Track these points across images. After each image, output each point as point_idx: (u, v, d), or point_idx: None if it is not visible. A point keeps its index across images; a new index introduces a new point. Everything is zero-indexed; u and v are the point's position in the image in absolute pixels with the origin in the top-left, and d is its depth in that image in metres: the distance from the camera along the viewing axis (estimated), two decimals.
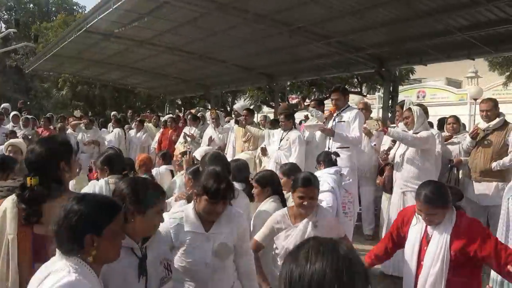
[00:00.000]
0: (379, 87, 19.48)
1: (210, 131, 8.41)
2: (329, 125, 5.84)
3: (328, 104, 6.39)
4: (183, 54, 12.58)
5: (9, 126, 9.79)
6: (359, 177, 6.50)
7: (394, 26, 8.40)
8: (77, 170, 4.11)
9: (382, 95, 12.48)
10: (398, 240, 3.11)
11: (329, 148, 5.77)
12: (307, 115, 8.52)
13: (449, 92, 26.89)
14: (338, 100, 5.78)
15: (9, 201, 2.22)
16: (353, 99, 20.99)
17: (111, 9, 8.73)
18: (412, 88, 26.67)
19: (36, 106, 32.16)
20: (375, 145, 6.57)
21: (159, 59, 13.48)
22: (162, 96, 21.09)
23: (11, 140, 5.27)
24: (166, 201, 4.47)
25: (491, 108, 5.29)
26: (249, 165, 4.99)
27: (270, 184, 3.77)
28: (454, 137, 6.19)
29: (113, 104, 26.20)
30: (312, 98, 16.76)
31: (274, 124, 7.26)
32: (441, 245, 2.75)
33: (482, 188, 5.26)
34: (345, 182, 5.04)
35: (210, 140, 7.93)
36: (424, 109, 5.33)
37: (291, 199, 3.91)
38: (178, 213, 2.72)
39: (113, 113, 13.39)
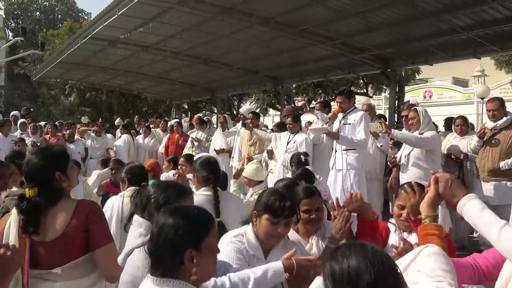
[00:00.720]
0: (385, 87, 19.41)
1: (218, 135, 8.42)
2: (335, 126, 5.84)
3: (334, 106, 6.39)
4: (188, 58, 12.64)
5: (17, 133, 9.87)
6: (367, 179, 6.49)
7: (399, 26, 8.39)
8: (84, 176, 4.11)
9: (388, 95, 12.44)
10: None
11: (336, 151, 5.78)
12: (309, 122, 8.53)
13: (455, 91, 26.73)
14: (342, 103, 5.77)
15: (15, 213, 2.24)
16: (359, 100, 20.90)
17: (116, 16, 8.81)
18: (419, 88, 26.53)
19: (44, 113, 32.44)
20: (381, 146, 6.55)
21: (165, 64, 13.56)
22: (169, 101, 21.18)
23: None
24: None
25: (498, 108, 5.26)
26: (261, 172, 5.03)
27: None
28: (461, 138, 6.17)
29: (120, 109, 26.35)
30: (318, 100, 16.75)
31: (280, 127, 7.25)
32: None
33: (490, 187, 5.23)
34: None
35: (221, 151, 7.88)
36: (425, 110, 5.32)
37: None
38: (239, 236, 2.43)
39: (116, 121, 13.45)
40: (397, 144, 5.76)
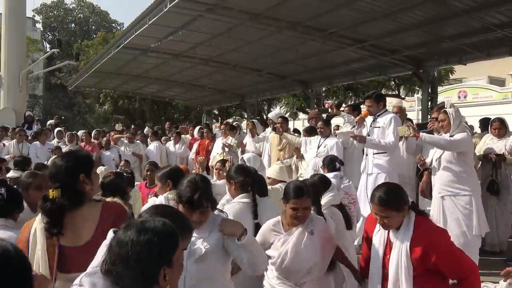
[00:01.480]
0: (417, 89, 19.02)
1: (247, 141, 8.46)
2: (365, 130, 5.76)
3: (364, 109, 6.30)
4: (217, 65, 12.78)
5: (54, 141, 10.20)
6: (400, 183, 6.36)
7: (430, 26, 8.23)
8: None
9: (421, 97, 12.20)
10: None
11: (366, 155, 5.69)
12: (338, 125, 8.46)
13: (492, 90, 25.88)
14: (371, 107, 5.67)
15: (39, 220, 2.29)
16: (390, 102, 20.57)
17: (147, 25, 9.02)
18: (453, 88, 25.86)
19: (79, 121, 33.47)
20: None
21: (195, 70, 13.75)
22: (199, 107, 21.45)
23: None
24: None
25: None
26: (285, 173, 5.00)
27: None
28: (498, 140, 5.99)
29: (152, 116, 26.88)
30: (348, 103, 16.58)
31: (309, 131, 7.22)
32: (402, 253, 2.60)
33: None
34: (344, 185, 5.01)
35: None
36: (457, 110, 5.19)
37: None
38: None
39: (145, 129, 13.72)
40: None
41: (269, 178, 5.03)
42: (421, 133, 4.80)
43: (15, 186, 3.28)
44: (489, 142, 6.07)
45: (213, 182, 4.81)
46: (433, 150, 4.96)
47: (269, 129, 8.20)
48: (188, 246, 2.18)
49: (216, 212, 2.74)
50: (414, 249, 2.57)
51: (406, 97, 21.51)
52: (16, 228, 2.86)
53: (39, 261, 2.24)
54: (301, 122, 25.98)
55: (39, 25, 47.07)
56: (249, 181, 3.42)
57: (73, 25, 47.70)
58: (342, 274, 3.33)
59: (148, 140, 11.07)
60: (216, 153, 8.67)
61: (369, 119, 5.75)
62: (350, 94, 20.12)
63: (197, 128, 11.38)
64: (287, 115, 19.69)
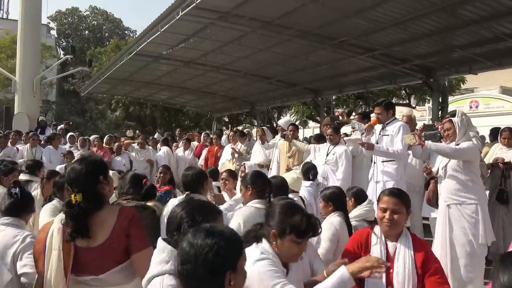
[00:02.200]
0: (428, 98, 18.95)
1: (257, 148, 8.50)
2: (373, 138, 5.77)
3: (373, 117, 6.31)
4: (228, 72, 12.88)
5: (66, 146, 10.33)
6: (409, 192, 6.35)
7: (440, 35, 8.24)
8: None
9: (431, 106, 12.15)
10: None
11: (374, 162, 5.70)
12: (345, 133, 8.47)
13: (504, 101, 25.65)
14: (380, 114, 5.69)
15: (58, 219, 2.35)
16: (401, 111, 20.53)
17: (159, 32, 9.14)
18: (464, 98, 25.69)
19: (91, 127, 33.79)
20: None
21: (206, 78, 13.87)
22: (210, 114, 21.57)
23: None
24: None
25: None
26: (298, 184, 5.03)
27: (332, 200, 3.80)
28: (508, 149, 5.96)
29: (163, 123, 27.06)
30: (358, 112, 16.55)
31: (318, 139, 7.24)
32: (408, 264, 2.59)
33: None
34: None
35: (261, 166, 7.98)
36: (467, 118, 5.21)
37: None
38: (265, 253, 2.35)
39: (156, 135, 13.84)
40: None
41: None
42: (426, 142, 4.81)
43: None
44: (498, 152, 6.04)
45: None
46: (439, 158, 4.96)
47: (278, 136, 8.23)
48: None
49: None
50: (416, 258, 2.60)
51: (416, 107, 21.42)
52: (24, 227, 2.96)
53: (53, 262, 2.27)
54: (311, 130, 25.99)
55: (53, 32, 47.76)
56: (267, 188, 3.43)
57: (86, 32, 48.37)
58: None
59: (158, 145, 11.18)
60: (226, 160, 8.72)
61: (378, 127, 5.77)
62: (361, 102, 20.10)
63: (203, 134, 11.58)
64: (297, 123, 19.72)
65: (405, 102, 19.66)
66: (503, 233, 5.76)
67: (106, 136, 11.45)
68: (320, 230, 2.43)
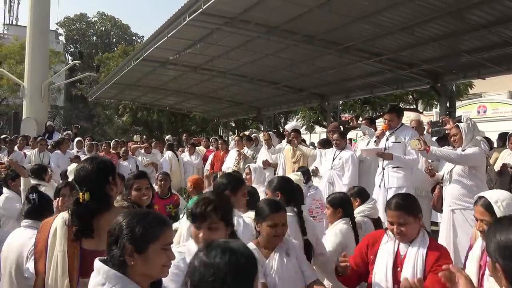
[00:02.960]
0: (436, 103, 18.84)
1: (263, 152, 8.48)
2: (382, 144, 5.74)
3: (380, 122, 6.28)
4: (235, 77, 12.91)
5: (74, 151, 10.38)
6: (416, 196, 6.30)
7: (448, 40, 8.20)
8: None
9: (439, 111, 12.09)
10: (359, 269, 2.83)
11: (383, 168, 5.67)
12: (350, 139, 8.41)
13: None
14: (391, 120, 5.66)
15: (59, 219, 2.33)
16: (408, 116, 20.40)
17: (166, 38, 9.19)
18: (472, 103, 25.53)
19: (99, 132, 33.98)
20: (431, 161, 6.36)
21: (212, 83, 13.92)
22: (216, 119, 21.61)
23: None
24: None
25: None
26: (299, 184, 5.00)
27: (342, 206, 3.73)
28: None
29: (170, 128, 27.13)
30: (365, 116, 16.50)
31: (324, 144, 7.21)
32: (418, 263, 2.55)
33: None
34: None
35: (267, 163, 7.94)
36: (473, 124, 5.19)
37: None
38: (181, 247, 2.35)
39: (166, 137, 13.90)
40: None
41: None
42: (431, 147, 4.79)
43: None
44: (507, 157, 5.98)
45: None
46: (446, 163, 4.93)
47: (285, 141, 8.21)
48: None
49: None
50: (427, 262, 2.55)
51: (424, 111, 21.30)
52: None
53: (57, 263, 2.26)
54: (317, 135, 25.93)
55: (62, 38, 48.20)
56: (296, 194, 3.36)
57: (94, 38, 48.75)
58: None
59: (164, 150, 11.23)
60: (228, 167, 8.66)
61: (386, 133, 5.75)
62: (367, 107, 20.02)
63: (211, 139, 11.65)
64: (303, 128, 19.70)
65: (412, 107, 19.55)
66: None
67: (113, 141, 11.50)
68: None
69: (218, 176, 7.96)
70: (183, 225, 3.27)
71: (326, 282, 3.23)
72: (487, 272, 2.32)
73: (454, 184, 4.72)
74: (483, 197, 2.51)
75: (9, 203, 4.64)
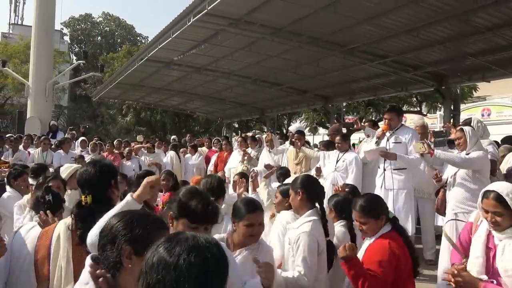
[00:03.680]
0: (440, 105, 18.79)
1: (265, 154, 8.46)
2: (383, 145, 5.74)
3: (382, 125, 6.26)
4: (239, 78, 12.91)
5: (78, 151, 10.39)
6: (419, 199, 6.30)
7: (453, 43, 8.17)
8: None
9: (443, 114, 12.05)
10: None
11: (384, 169, 5.66)
12: (354, 143, 8.39)
13: None
14: (392, 120, 5.68)
15: (62, 225, 2.34)
16: (412, 118, 20.34)
17: (170, 38, 9.19)
18: (476, 106, 25.43)
19: (102, 131, 34.05)
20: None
21: (216, 84, 13.91)
22: (220, 120, 21.63)
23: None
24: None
25: None
26: None
27: (338, 209, 3.75)
28: None
29: (174, 128, 27.18)
30: (368, 119, 16.49)
31: (327, 146, 7.20)
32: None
33: None
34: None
35: (269, 167, 7.93)
36: (482, 126, 5.20)
37: None
38: None
39: (172, 137, 13.92)
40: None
41: None
42: (435, 151, 4.78)
43: None
44: None
45: (232, 194, 4.84)
46: (451, 166, 4.92)
47: (288, 142, 8.20)
48: None
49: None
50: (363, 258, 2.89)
51: (428, 114, 21.25)
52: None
53: (62, 268, 2.26)
54: (321, 137, 25.89)
55: (66, 38, 48.40)
56: (319, 193, 3.27)
57: (99, 38, 48.89)
58: None
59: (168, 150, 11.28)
60: (238, 162, 8.65)
61: (387, 133, 5.76)
62: (371, 109, 20.00)
63: (213, 140, 11.76)
64: (306, 130, 19.67)
65: (416, 109, 19.51)
66: None
67: (116, 141, 11.52)
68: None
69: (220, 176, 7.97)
70: None
71: None
72: (498, 252, 2.54)
73: (458, 187, 4.71)
74: (492, 191, 2.65)
75: (10, 202, 4.64)
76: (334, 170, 6.48)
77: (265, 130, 19.24)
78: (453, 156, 4.70)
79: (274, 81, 12.91)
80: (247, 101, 16.15)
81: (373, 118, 16.09)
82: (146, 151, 10.44)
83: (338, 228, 3.64)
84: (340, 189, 4.47)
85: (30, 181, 5.14)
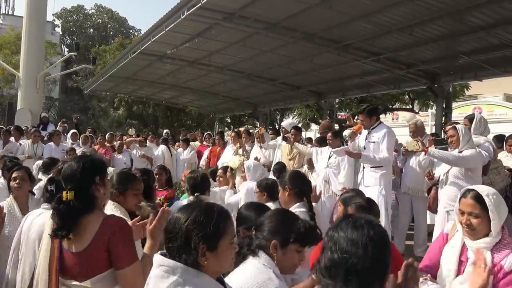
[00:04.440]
0: (432, 103, 18.89)
1: (255, 149, 8.44)
2: (360, 144, 5.80)
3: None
4: (232, 73, 12.86)
5: (68, 143, 10.31)
6: (413, 197, 6.35)
7: (446, 41, 8.20)
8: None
9: (435, 112, 12.11)
10: None
11: (363, 167, 5.72)
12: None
13: (507, 108, 25.60)
14: (364, 121, 5.76)
15: (49, 214, 2.31)
16: (404, 116, 20.43)
17: (163, 32, 9.12)
18: (467, 104, 25.62)
19: (93, 124, 33.82)
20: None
21: (209, 78, 13.85)
22: (212, 114, 21.57)
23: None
24: None
25: None
26: None
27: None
28: None
29: (166, 122, 27.04)
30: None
31: (320, 142, 7.20)
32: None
33: None
34: None
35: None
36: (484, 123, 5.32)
37: None
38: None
39: (165, 131, 13.87)
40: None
41: None
42: (430, 148, 4.80)
43: None
44: (503, 159, 6.00)
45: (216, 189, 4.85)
46: (442, 165, 4.95)
47: (280, 138, 8.18)
48: None
49: None
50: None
51: (419, 112, 21.36)
52: None
53: (41, 262, 2.23)
54: (313, 133, 25.93)
55: (58, 29, 47.91)
56: (306, 189, 3.30)
57: (91, 30, 48.46)
58: None
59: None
60: (224, 162, 8.62)
61: (364, 132, 5.81)
62: (364, 106, 20.04)
63: (205, 134, 11.74)
64: (299, 126, 19.66)
65: (408, 107, 19.60)
66: None
67: (108, 134, 11.44)
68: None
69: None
70: None
71: None
72: (467, 267, 2.36)
73: (450, 186, 4.74)
74: (472, 190, 2.50)
75: (2, 193, 4.59)
76: (327, 167, 6.49)
77: (258, 125, 19.24)
78: (448, 154, 4.72)
79: (267, 76, 12.88)
80: (240, 96, 16.11)
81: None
82: (138, 145, 10.37)
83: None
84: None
85: (41, 175, 5.08)
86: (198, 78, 13.94)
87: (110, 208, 2.75)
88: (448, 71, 9.85)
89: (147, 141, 11.15)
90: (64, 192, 2.19)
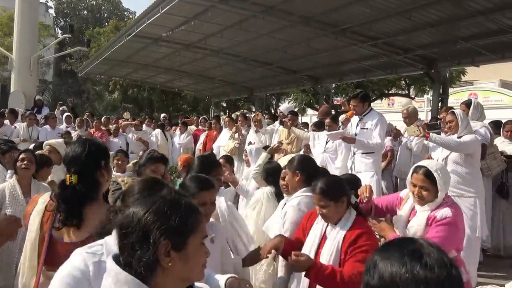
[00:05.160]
0: (428, 89, 18.87)
1: (251, 134, 8.41)
2: (352, 130, 5.79)
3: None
4: (228, 57, 12.76)
5: (63, 126, 10.24)
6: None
7: (444, 26, 8.16)
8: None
9: (431, 97, 12.11)
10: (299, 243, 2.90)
11: (354, 153, 5.71)
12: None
13: (503, 94, 25.62)
14: (356, 106, 5.71)
15: (46, 197, 2.15)
16: (400, 101, 20.44)
17: (159, 14, 9.02)
18: (463, 90, 25.60)
19: (88, 108, 33.59)
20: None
21: (205, 62, 13.75)
22: (208, 98, 21.47)
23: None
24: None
25: None
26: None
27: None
28: (510, 142, 5.95)
29: (161, 106, 26.91)
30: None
31: (319, 126, 7.18)
32: (334, 246, 2.64)
33: None
34: None
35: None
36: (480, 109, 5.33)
37: None
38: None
39: (162, 115, 13.79)
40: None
41: None
42: (431, 134, 4.78)
43: None
44: (500, 145, 6.02)
45: None
46: (439, 150, 4.94)
47: (277, 122, 8.15)
48: None
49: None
50: (344, 245, 2.61)
51: (415, 97, 21.33)
52: None
53: (27, 248, 2.07)
54: (309, 118, 25.90)
55: (51, 11, 47.21)
56: (316, 174, 3.20)
57: (85, 12, 47.74)
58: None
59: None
60: (220, 145, 8.61)
61: (355, 118, 5.78)
62: (357, 92, 19.99)
63: (200, 118, 11.68)
64: (295, 110, 19.62)
65: (404, 92, 19.58)
66: (503, 229, 5.78)
67: (104, 117, 11.37)
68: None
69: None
70: None
71: None
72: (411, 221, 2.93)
73: (451, 172, 4.74)
74: (423, 166, 2.90)
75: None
76: (324, 151, 6.48)
77: (254, 110, 19.18)
78: (448, 139, 4.71)
79: (263, 60, 12.80)
80: (236, 80, 16.02)
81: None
82: (134, 128, 10.33)
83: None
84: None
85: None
86: (194, 61, 13.83)
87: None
88: (446, 56, 9.82)
89: (144, 125, 11.09)
90: (68, 176, 2.03)
